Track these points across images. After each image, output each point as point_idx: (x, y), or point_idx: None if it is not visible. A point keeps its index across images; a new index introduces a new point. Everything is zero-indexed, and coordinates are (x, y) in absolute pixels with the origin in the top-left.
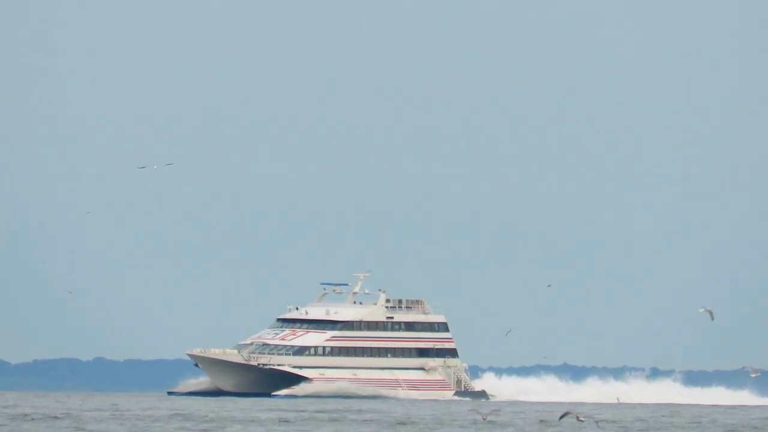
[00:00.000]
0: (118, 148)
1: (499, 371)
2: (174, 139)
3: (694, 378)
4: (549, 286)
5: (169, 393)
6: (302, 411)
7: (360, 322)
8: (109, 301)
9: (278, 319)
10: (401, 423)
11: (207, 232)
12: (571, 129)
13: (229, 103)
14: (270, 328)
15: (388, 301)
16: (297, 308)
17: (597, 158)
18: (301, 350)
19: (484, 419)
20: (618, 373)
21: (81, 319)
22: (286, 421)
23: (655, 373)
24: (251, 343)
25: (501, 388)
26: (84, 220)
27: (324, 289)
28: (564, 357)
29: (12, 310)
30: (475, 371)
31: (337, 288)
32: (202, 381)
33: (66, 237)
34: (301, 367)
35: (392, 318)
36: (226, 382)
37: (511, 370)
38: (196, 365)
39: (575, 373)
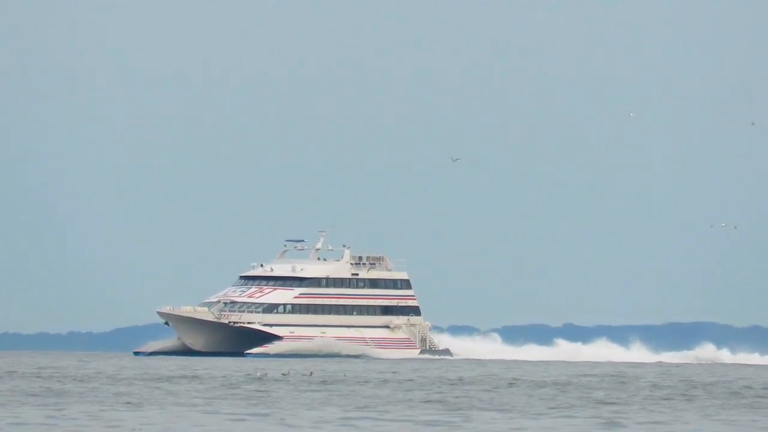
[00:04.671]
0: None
1: (455, 330)
2: (142, 95)
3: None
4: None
5: (135, 353)
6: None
7: (326, 278)
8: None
9: (242, 277)
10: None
11: (167, 188)
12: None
13: (196, 58)
14: (235, 285)
15: (352, 257)
16: (261, 265)
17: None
18: (270, 308)
19: None
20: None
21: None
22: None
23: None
24: (218, 301)
25: (456, 348)
26: (53, 179)
27: (285, 245)
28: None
29: None
30: (438, 330)
31: (299, 244)
32: (167, 341)
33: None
34: (271, 325)
35: (357, 275)
36: (195, 341)
37: (470, 329)
38: (166, 323)
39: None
